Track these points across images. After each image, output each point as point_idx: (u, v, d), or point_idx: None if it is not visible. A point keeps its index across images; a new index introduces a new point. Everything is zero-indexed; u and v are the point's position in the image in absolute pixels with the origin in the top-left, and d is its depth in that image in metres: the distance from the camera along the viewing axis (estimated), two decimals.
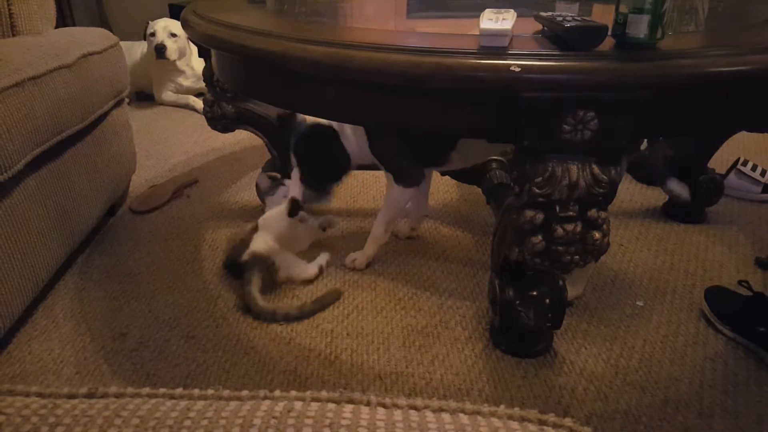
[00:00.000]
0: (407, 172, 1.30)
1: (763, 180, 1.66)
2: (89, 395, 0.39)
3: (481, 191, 1.48)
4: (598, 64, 0.70)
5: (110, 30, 1.81)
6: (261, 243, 1.31)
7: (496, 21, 0.75)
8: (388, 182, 1.32)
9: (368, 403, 0.37)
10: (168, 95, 2.74)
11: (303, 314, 1.22)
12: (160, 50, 2.57)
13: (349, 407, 0.36)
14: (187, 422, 0.34)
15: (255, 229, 1.34)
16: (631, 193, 1.73)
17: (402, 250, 1.46)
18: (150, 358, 1.12)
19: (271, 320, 1.21)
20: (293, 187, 1.37)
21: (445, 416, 0.36)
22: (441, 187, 1.80)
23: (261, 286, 1.27)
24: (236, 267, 1.31)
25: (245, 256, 1.28)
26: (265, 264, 1.28)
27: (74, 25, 3.44)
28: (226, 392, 0.39)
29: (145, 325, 1.22)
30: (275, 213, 1.38)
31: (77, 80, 1.30)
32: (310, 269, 1.34)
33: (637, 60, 0.70)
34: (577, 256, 0.84)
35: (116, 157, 1.56)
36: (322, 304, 1.24)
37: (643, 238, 1.49)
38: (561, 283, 1.03)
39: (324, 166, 1.35)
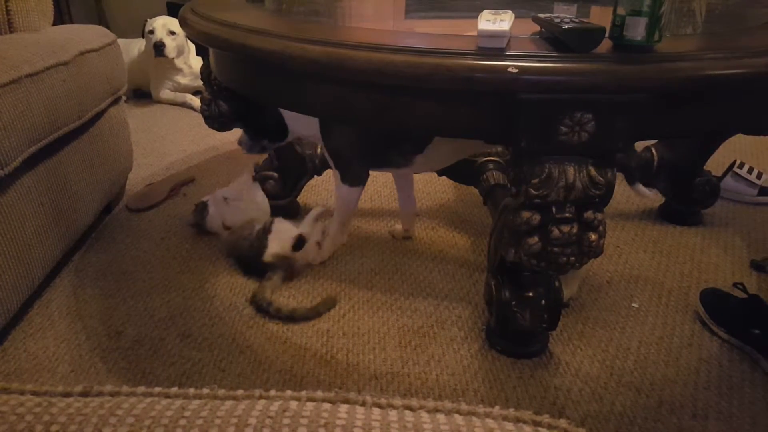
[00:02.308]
0: (353, 171, 1.30)
1: (758, 182, 1.66)
2: (84, 393, 0.39)
3: (478, 192, 1.48)
4: (596, 66, 0.70)
5: (108, 27, 1.80)
6: (278, 246, 1.32)
7: (494, 22, 0.75)
8: (335, 181, 1.32)
9: (364, 404, 0.38)
10: (165, 93, 2.74)
11: (294, 317, 1.21)
12: (158, 48, 2.56)
13: (344, 407, 0.37)
14: (182, 421, 0.34)
15: (267, 231, 1.34)
16: (627, 195, 1.74)
17: (398, 251, 1.46)
18: (145, 356, 1.12)
19: (264, 310, 1.22)
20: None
21: (441, 417, 0.36)
22: (438, 187, 1.80)
23: (279, 285, 1.30)
24: (251, 265, 1.34)
25: (268, 258, 1.30)
26: (287, 263, 1.31)
27: (72, 22, 3.43)
28: (222, 391, 0.39)
29: (140, 323, 1.21)
30: (288, 225, 1.39)
31: (74, 77, 1.30)
32: (317, 251, 1.38)
33: (634, 62, 0.70)
34: (573, 258, 0.84)
35: (113, 154, 1.56)
36: (317, 312, 1.23)
37: (639, 240, 1.50)
38: (557, 284, 1.03)
39: (259, 119, 1.36)
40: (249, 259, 1.34)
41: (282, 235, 1.34)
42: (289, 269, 1.33)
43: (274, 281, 1.29)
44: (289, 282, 1.33)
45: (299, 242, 1.33)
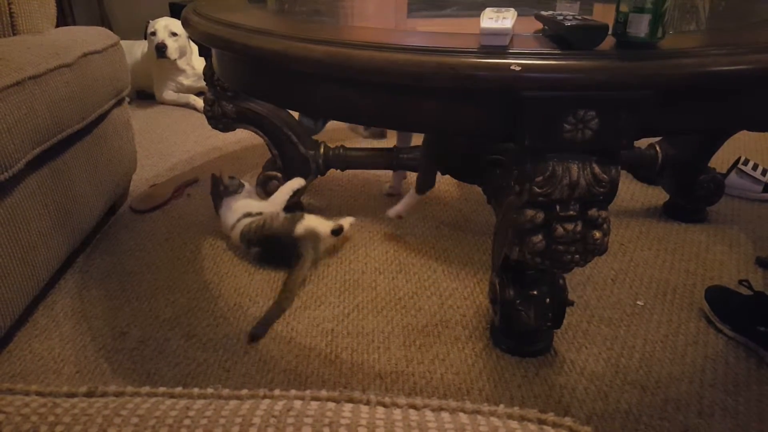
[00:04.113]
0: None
1: (763, 179, 1.66)
2: (89, 394, 0.39)
3: (482, 191, 1.48)
4: (599, 64, 0.70)
5: (111, 29, 1.81)
6: (316, 222, 1.40)
7: (497, 20, 0.74)
8: None
9: (368, 402, 0.37)
10: (169, 94, 2.74)
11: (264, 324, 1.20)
12: (160, 49, 2.56)
13: (348, 406, 0.36)
14: (187, 421, 0.34)
15: (301, 216, 1.41)
16: (631, 192, 1.73)
17: (402, 250, 1.46)
18: (150, 356, 1.12)
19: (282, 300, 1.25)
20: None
21: (445, 415, 0.36)
22: (441, 186, 1.80)
23: (309, 269, 1.35)
24: (276, 245, 1.38)
25: (300, 230, 1.36)
26: (318, 240, 1.37)
27: (75, 24, 3.44)
28: (226, 391, 0.39)
29: (145, 323, 1.22)
30: (321, 219, 1.45)
31: (78, 79, 1.30)
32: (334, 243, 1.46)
33: (637, 59, 0.70)
34: (577, 256, 0.84)
35: (117, 156, 1.56)
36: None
37: (644, 238, 1.49)
38: (561, 282, 1.03)
39: None
40: (278, 237, 1.37)
41: (315, 220, 1.42)
42: (317, 248, 1.37)
43: (305, 266, 1.33)
44: (315, 268, 1.38)
45: (339, 229, 1.40)
